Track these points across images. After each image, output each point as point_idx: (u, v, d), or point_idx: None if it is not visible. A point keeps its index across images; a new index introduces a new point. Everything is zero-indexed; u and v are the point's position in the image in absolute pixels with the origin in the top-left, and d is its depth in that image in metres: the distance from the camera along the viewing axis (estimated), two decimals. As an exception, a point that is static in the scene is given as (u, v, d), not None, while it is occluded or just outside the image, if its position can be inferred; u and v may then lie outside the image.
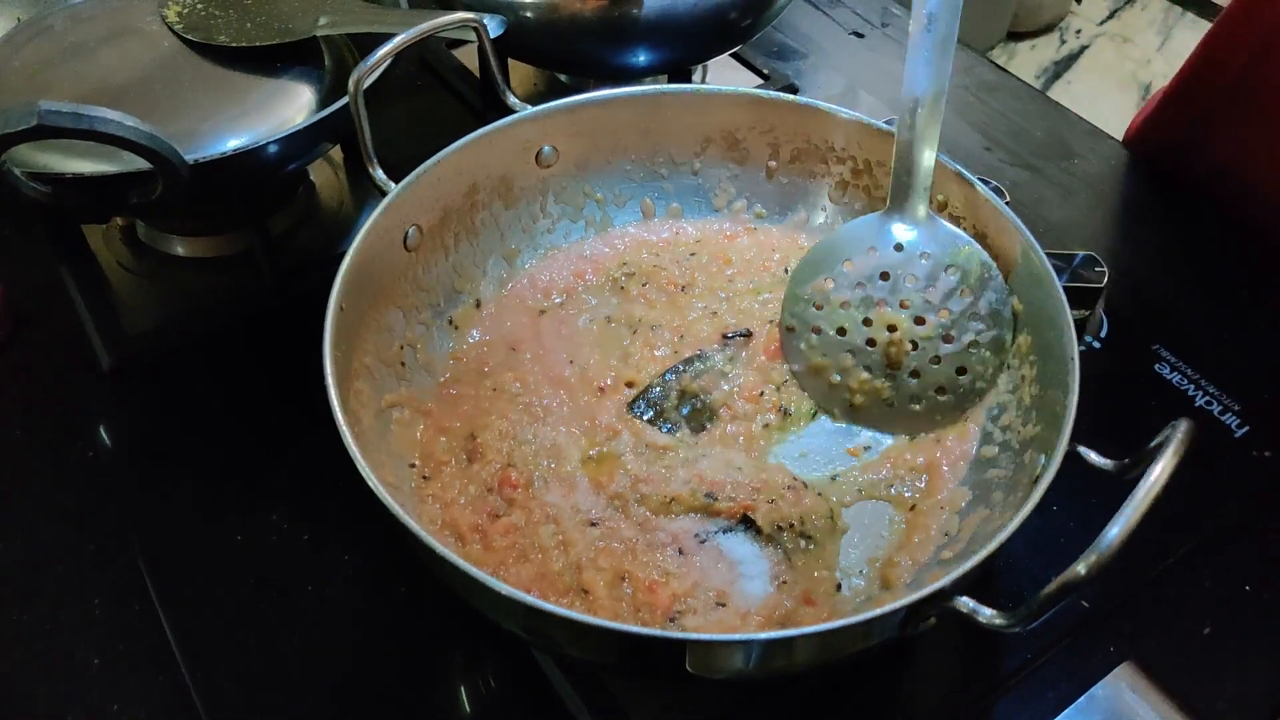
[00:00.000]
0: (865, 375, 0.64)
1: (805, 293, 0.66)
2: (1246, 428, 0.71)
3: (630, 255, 0.74)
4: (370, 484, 0.48)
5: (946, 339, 0.63)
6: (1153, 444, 0.46)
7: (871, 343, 0.64)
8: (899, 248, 0.64)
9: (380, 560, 0.64)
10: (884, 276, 0.64)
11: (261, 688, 0.59)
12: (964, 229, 0.66)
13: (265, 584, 0.63)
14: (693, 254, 0.73)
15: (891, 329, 0.64)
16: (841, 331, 0.65)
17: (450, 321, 0.68)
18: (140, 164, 0.63)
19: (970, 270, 0.63)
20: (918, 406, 0.63)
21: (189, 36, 0.76)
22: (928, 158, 0.62)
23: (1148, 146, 0.92)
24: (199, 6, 0.79)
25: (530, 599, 0.44)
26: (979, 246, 0.63)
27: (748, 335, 0.68)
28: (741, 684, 0.57)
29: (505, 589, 0.44)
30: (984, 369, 0.62)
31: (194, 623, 0.61)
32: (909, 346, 0.63)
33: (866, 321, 0.64)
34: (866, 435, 0.64)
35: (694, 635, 0.51)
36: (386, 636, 0.61)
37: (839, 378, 0.65)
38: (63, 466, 0.70)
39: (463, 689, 0.59)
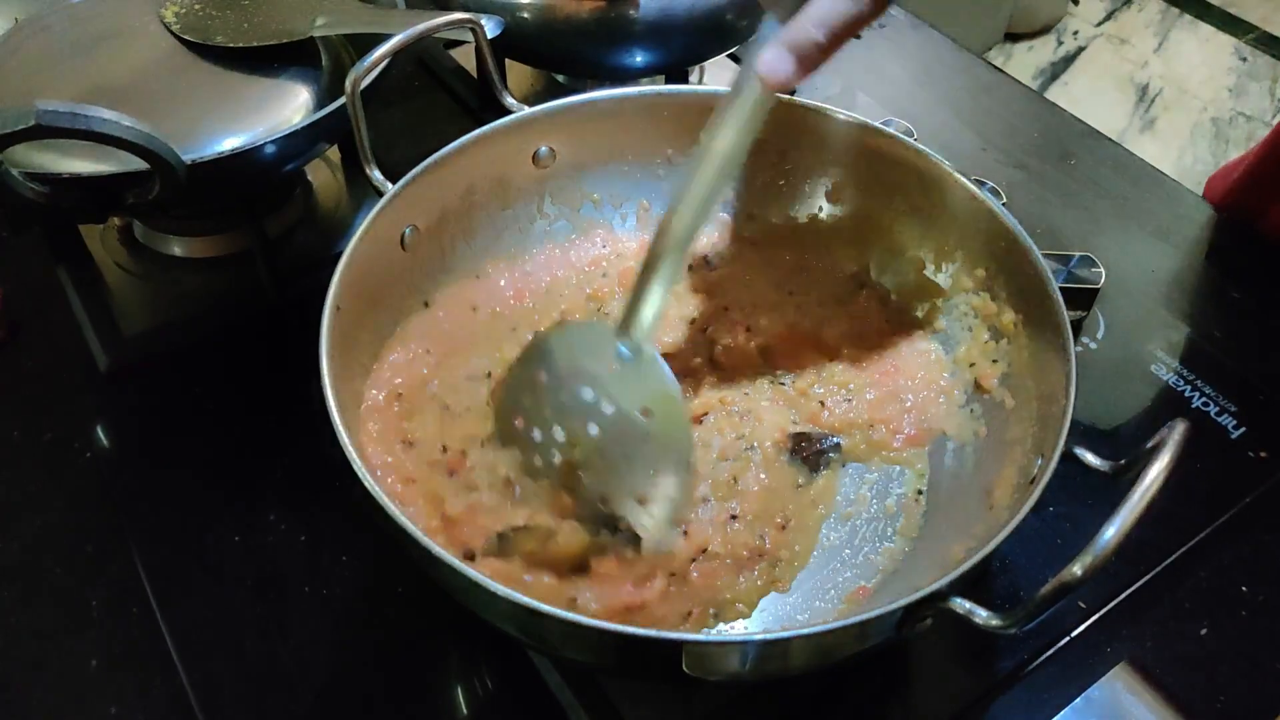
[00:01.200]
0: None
1: (523, 377, 0.60)
2: (1243, 429, 0.71)
3: (621, 258, 0.74)
4: (366, 484, 0.48)
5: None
6: (1149, 445, 0.46)
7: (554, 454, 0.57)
8: (611, 368, 0.57)
9: (377, 561, 0.64)
10: (587, 389, 0.57)
11: (259, 689, 0.59)
12: (961, 230, 0.66)
13: (262, 585, 0.63)
14: None
15: (573, 446, 0.56)
16: (536, 428, 0.58)
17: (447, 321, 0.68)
18: (137, 164, 0.63)
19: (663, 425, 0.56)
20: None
21: (186, 37, 0.76)
22: (657, 294, 0.56)
23: (1231, 202, 0.89)
24: (196, 7, 0.79)
25: (526, 599, 0.44)
26: (679, 402, 0.57)
27: None
28: (738, 685, 0.57)
29: (501, 590, 0.44)
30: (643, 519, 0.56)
31: (191, 624, 0.61)
32: (580, 475, 0.56)
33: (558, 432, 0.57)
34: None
35: (690, 636, 0.51)
36: (383, 638, 0.61)
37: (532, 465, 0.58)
38: (60, 467, 0.70)
39: (459, 690, 0.59)
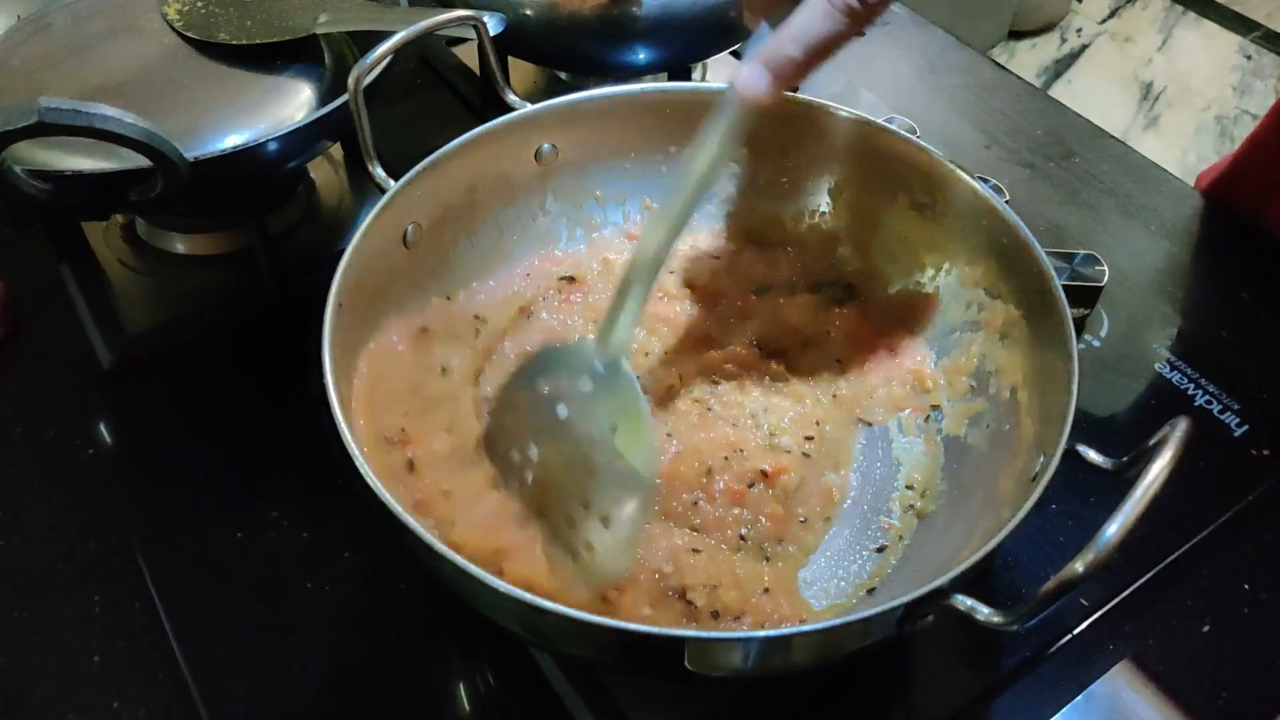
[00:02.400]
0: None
1: (507, 399, 0.60)
2: (1245, 426, 0.71)
3: (620, 257, 0.74)
4: (369, 481, 0.48)
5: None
6: (1151, 442, 0.46)
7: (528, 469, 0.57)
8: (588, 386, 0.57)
9: (380, 558, 0.64)
10: (562, 406, 0.57)
11: (261, 685, 0.59)
12: (964, 228, 0.66)
13: (265, 582, 0.63)
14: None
15: (545, 465, 0.56)
16: (511, 449, 0.58)
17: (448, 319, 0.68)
18: (140, 161, 0.63)
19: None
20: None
21: (189, 34, 0.76)
22: (630, 311, 0.56)
23: (1226, 192, 0.89)
24: (199, 4, 0.79)
25: (528, 596, 0.44)
26: (644, 420, 0.56)
27: None
28: (740, 682, 0.57)
29: (504, 586, 0.44)
30: None
31: (194, 620, 0.61)
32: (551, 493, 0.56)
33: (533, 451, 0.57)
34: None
35: (692, 633, 0.51)
36: (386, 634, 0.61)
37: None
38: (62, 465, 0.70)
39: (461, 687, 0.59)
